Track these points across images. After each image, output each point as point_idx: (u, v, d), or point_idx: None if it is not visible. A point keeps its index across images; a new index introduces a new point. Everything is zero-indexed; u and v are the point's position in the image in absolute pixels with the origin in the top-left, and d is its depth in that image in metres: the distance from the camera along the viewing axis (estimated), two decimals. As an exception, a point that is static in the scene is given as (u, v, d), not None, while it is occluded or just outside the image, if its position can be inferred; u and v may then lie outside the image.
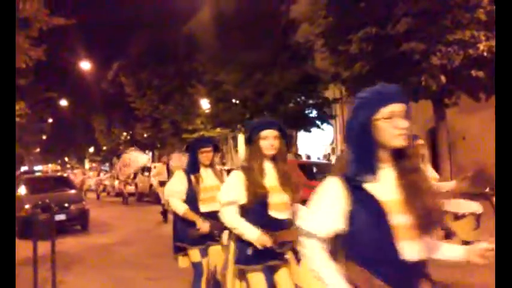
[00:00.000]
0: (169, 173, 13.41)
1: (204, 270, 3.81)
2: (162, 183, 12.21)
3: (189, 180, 3.88)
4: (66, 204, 10.81)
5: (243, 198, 2.80)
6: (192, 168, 3.94)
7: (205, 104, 21.42)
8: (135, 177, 22.48)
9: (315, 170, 11.45)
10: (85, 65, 26.89)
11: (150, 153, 38.97)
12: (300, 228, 1.83)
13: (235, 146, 28.70)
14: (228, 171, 3.78)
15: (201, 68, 19.46)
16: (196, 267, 3.84)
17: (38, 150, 57.64)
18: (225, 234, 3.28)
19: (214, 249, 3.81)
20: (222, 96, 17.55)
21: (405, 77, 9.25)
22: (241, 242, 2.82)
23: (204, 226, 3.71)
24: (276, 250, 2.82)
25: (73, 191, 12.15)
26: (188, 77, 24.05)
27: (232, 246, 2.95)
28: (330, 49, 11.16)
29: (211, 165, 3.99)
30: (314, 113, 17.71)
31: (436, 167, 9.77)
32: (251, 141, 2.87)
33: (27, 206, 10.57)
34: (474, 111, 12.12)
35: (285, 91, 15.78)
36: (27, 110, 13.80)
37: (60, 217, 10.86)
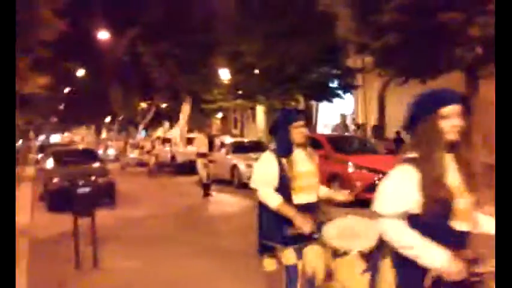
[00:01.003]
0: (212, 144, 13.27)
1: (299, 275, 3.10)
2: (202, 155, 12.16)
3: (280, 165, 3.13)
4: (93, 177, 10.87)
5: (416, 206, 1.94)
6: (284, 149, 3.16)
7: (224, 74, 21.14)
8: (153, 147, 22.64)
9: (342, 143, 11.30)
10: (103, 35, 26.62)
11: (168, 123, 39.13)
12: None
13: (253, 117, 28.59)
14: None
15: (221, 38, 19.09)
16: (290, 270, 3.11)
17: (55, 119, 58.20)
18: (327, 229, 2.78)
19: (312, 249, 3.08)
20: (242, 67, 17.27)
21: (439, 48, 8.92)
22: (412, 269, 1.91)
23: (305, 226, 2.97)
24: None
25: (99, 164, 12.23)
26: (207, 47, 23.69)
27: (390, 271, 2.01)
28: (359, 19, 10.77)
29: (304, 144, 3.23)
30: (335, 83, 17.42)
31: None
32: (420, 120, 2.00)
33: (55, 180, 10.68)
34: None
35: (308, 61, 15.45)
36: (49, 83, 13.74)
37: (86, 190, 10.97)
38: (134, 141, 30.38)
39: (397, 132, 14.48)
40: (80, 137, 59.49)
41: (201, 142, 12.65)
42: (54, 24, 9.55)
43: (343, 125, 19.85)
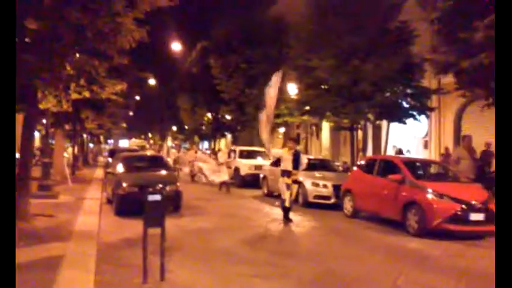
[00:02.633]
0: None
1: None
2: (286, 173, 11.30)
3: None
4: (161, 185, 10.89)
5: None
6: None
7: (291, 90, 20.90)
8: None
9: (420, 168, 10.58)
10: (175, 46, 27.46)
11: (230, 136, 39.52)
12: None
13: (317, 134, 28.08)
14: None
15: (291, 53, 18.89)
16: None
17: (124, 125, 60.94)
18: None
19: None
20: (312, 82, 16.90)
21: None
22: None
23: None
24: None
25: (168, 172, 12.30)
26: (275, 61, 23.64)
27: None
28: (443, 36, 10.10)
29: None
30: (409, 104, 16.55)
31: None
32: None
33: (124, 185, 10.82)
34: None
35: (382, 79, 14.81)
36: (125, 90, 14.16)
37: (157, 197, 11.00)
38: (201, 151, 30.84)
39: (487, 144, 13.40)
40: (147, 144, 61.67)
41: (286, 157, 10.34)
42: (135, 34, 9.68)
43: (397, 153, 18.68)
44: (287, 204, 10.09)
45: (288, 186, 10.19)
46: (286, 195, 10.13)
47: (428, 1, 10.23)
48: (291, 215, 10.31)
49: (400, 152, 17.32)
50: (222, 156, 18.22)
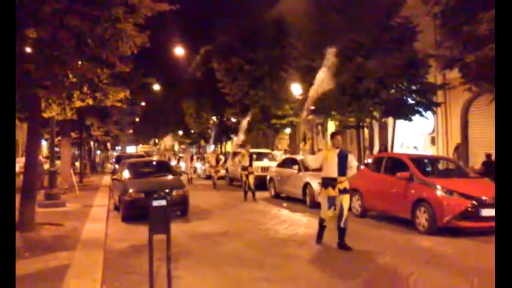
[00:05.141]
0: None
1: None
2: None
3: None
4: (167, 190, 10.84)
5: None
6: None
7: (296, 90, 20.83)
8: (225, 161, 22.78)
9: (429, 165, 10.43)
10: (179, 51, 27.48)
11: (236, 138, 39.45)
12: None
13: (323, 133, 27.93)
14: None
15: (294, 53, 18.81)
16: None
17: (131, 131, 61.14)
18: None
19: None
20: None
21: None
22: None
23: None
24: None
25: (174, 176, 12.26)
26: (278, 62, 23.57)
27: None
28: (450, 30, 9.96)
29: None
30: (414, 100, 16.39)
31: None
32: None
33: (130, 191, 10.78)
34: None
35: (386, 76, 14.67)
36: (129, 96, 14.13)
37: (162, 202, 10.95)
38: (205, 155, 30.97)
39: (488, 155, 13.06)
40: (155, 149, 61.86)
41: (329, 159, 7.67)
42: (136, 39, 9.67)
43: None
44: (342, 224, 7.39)
45: (333, 201, 7.41)
46: (327, 214, 7.51)
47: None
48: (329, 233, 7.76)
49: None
50: (243, 160, 15.75)
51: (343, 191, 7.42)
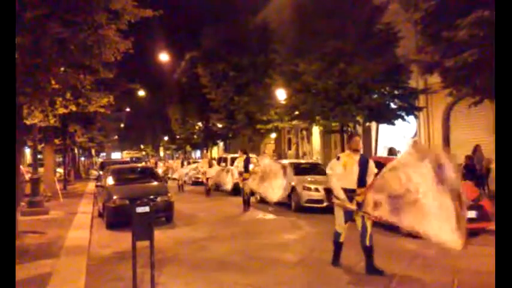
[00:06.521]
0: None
1: None
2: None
3: None
4: (152, 196, 10.80)
5: None
6: None
7: (280, 95, 20.95)
8: (210, 167, 22.69)
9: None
10: (163, 57, 27.44)
11: (222, 143, 39.43)
12: None
13: (308, 138, 28.12)
14: None
15: (279, 59, 18.96)
16: None
17: (116, 137, 60.58)
18: None
19: None
20: (301, 87, 16.94)
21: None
22: None
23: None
24: None
25: (158, 182, 12.22)
26: (263, 68, 23.73)
27: None
28: (430, 36, 10.17)
29: None
30: (397, 105, 16.64)
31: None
32: None
33: (114, 197, 10.72)
34: None
35: (369, 81, 14.88)
36: (112, 102, 14.08)
37: (146, 209, 10.90)
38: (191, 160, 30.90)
39: (469, 157, 13.20)
40: (141, 155, 61.46)
41: (348, 166, 6.51)
42: (119, 45, 9.66)
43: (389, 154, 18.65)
44: (367, 242, 6.24)
45: (350, 216, 6.35)
46: (344, 226, 6.44)
47: (411, 2, 10.27)
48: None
49: (390, 151, 17.34)
50: (239, 165, 14.70)
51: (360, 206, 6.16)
